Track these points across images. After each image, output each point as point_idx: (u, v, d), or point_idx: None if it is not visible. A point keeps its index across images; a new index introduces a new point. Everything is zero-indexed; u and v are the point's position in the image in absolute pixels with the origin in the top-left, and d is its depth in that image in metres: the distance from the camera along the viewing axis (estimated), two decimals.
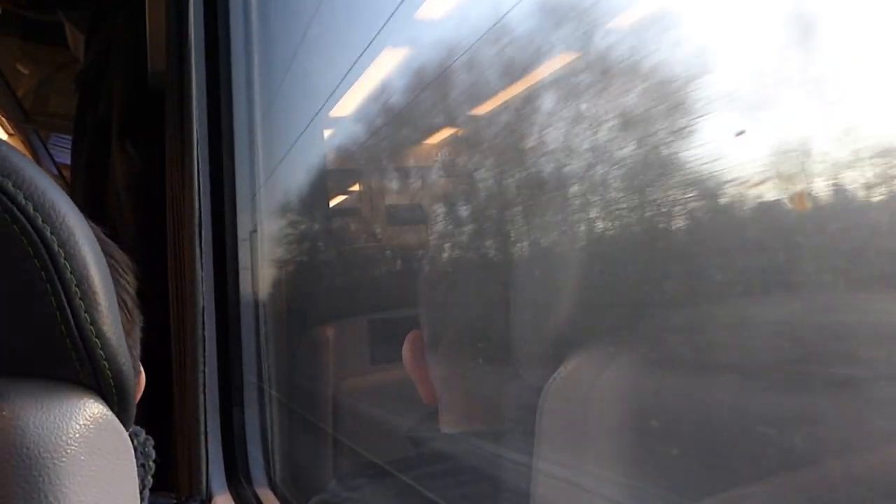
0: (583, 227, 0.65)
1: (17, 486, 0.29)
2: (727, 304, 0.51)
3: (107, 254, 0.46)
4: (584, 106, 0.64)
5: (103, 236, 0.47)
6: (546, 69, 0.69)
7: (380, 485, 0.83)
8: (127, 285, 0.51)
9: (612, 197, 0.61)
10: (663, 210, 0.57)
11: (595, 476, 0.55)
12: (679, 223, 0.55)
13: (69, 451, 0.31)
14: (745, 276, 0.49)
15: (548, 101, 0.71)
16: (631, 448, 0.54)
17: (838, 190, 0.43)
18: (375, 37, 1.04)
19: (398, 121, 1.11)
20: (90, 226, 0.36)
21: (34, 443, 0.30)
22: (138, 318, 0.52)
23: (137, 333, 0.52)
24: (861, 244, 0.43)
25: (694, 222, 0.53)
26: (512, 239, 0.75)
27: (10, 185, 0.30)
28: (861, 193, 0.43)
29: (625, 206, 0.60)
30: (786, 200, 0.46)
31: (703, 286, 0.53)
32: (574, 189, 0.65)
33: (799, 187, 0.45)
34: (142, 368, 0.53)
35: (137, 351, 0.51)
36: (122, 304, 0.47)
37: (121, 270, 0.50)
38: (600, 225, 0.62)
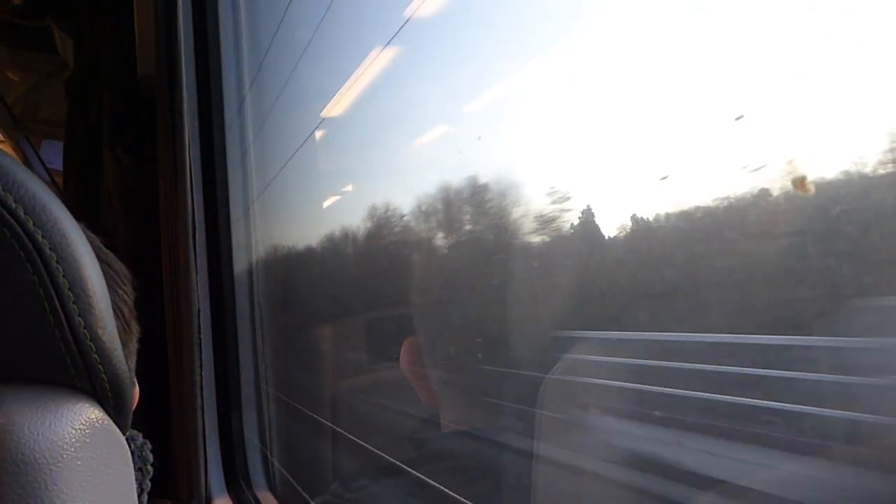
0: None
1: (13, 492, 0.28)
2: None
3: (105, 263, 0.45)
4: None
5: (101, 246, 0.47)
6: None
7: (382, 485, 0.83)
8: (125, 296, 0.50)
9: None
10: None
11: None
12: None
13: (65, 456, 0.31)
14: None
15: None
16: None
17: None
18: (369, 39, 1.04)
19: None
20: (88, 235, 0.35)
21: (29, 448, 0.29)
22: (136, 330, 0.52)
23: (134, 346, 0.51)
24: None
25: None
26: None
27: None
28: None
29: None
30: None
31: None
32: None
33: None
34: (135, 380, 0.53)
35: (133, 363, 0.51)
36: (119, 314, 0.46)
37: (119, 281, 0.49)
38: None
